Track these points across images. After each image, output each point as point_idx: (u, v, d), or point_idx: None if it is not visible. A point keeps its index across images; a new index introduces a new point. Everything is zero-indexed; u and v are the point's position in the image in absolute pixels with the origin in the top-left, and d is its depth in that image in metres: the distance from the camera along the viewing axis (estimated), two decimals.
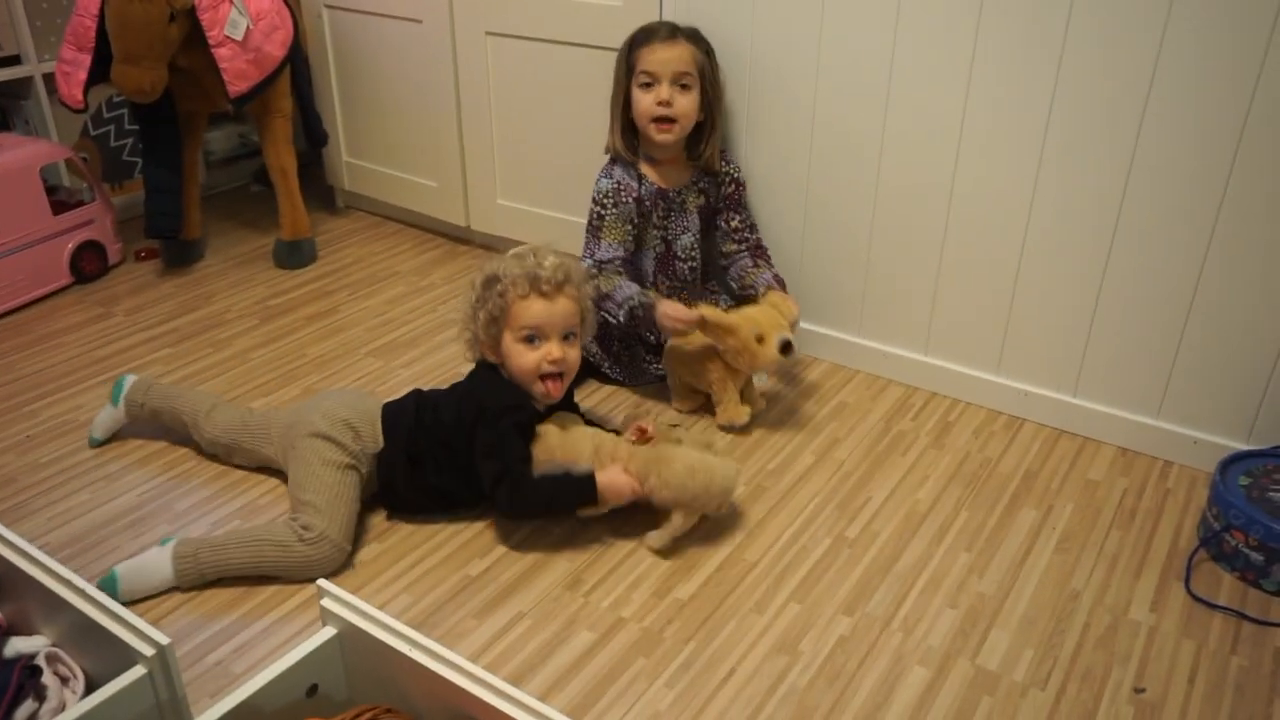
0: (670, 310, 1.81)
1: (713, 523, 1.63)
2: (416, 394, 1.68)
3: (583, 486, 1.54)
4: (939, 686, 1.33)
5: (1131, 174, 1.65)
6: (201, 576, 1.49)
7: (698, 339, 1.84)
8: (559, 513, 1.60)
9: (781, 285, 1.96)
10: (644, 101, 1.88)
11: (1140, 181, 1.65)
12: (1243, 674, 1.35)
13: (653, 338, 2.00)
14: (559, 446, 1.57)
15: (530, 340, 1.58)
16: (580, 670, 1.35)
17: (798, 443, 1.84)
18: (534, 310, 1.57)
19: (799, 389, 2.01)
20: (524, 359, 1.58)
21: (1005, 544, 1.59)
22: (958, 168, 1.81)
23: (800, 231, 2.04)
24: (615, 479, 1.54)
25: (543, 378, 1.59)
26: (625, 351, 2.03)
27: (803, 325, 2.11)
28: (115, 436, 1.83)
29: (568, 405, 1.72)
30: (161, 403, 1.77)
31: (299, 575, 1.50)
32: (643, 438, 1.61)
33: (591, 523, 1.62)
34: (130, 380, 1.80)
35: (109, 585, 1.45)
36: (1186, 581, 1.51)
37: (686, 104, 1.88)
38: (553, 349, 1.58)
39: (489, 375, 1.64)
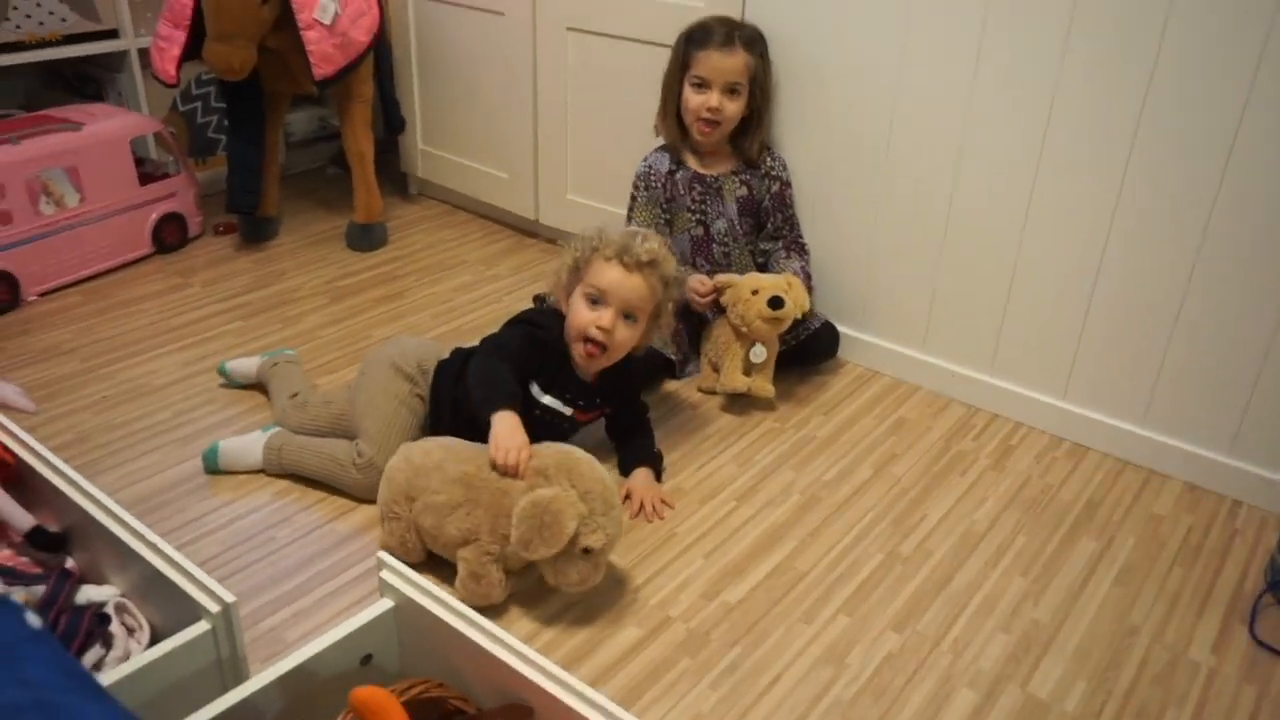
0: (693, 283, 1.94)
1: (765, 528, 1.63)
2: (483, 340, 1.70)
3: (503, 396, 1.48)
4: (987, 711, 1.31)
5: (1217, 202, 1.61)
6: (282, 468, 1.68)
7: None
8: (476, 394, 1.52)
9: (806, 279, 1.99)
10: (694, 101, 1.97)
11: (1225, 210, 1.61)
12: None
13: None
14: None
15: (594, 301, 1.59)
16: (625, 664, 1.36)
17: (855, 455, 1.83)
18: (608, 275, 1.58)
19: (859, 401, 2.00)
20: (579, 314, 1.59)
21: (1063, 572, 1.56)
22: (1035, 189, 1.78)
23: (868, 245, 2.03)
24: (513, 426, 1.45)
25: (586, 339, 1.59)
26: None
27: (867, 338, 2.10)
28: (196, 400, 1.90)
29: (629, 399, 1.74)
30: (268, 377, 1.87)
31: (351, 492, 1.64)
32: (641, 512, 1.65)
33: (641, 521, 1.63)
34: (286, 352, 1.94)
35: (211, 456, 1.69)
36: (1251, 625, 1.47)
37: (734, 109, 1.98)
38: (605, 316, 1.57)
39: (541, 308, 1.66)
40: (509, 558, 1.41)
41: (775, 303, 1.84)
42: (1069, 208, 1.76)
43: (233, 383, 1.94)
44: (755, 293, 1.86)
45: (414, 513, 1.46)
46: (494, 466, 1.42)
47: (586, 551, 1.37)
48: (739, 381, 1.90)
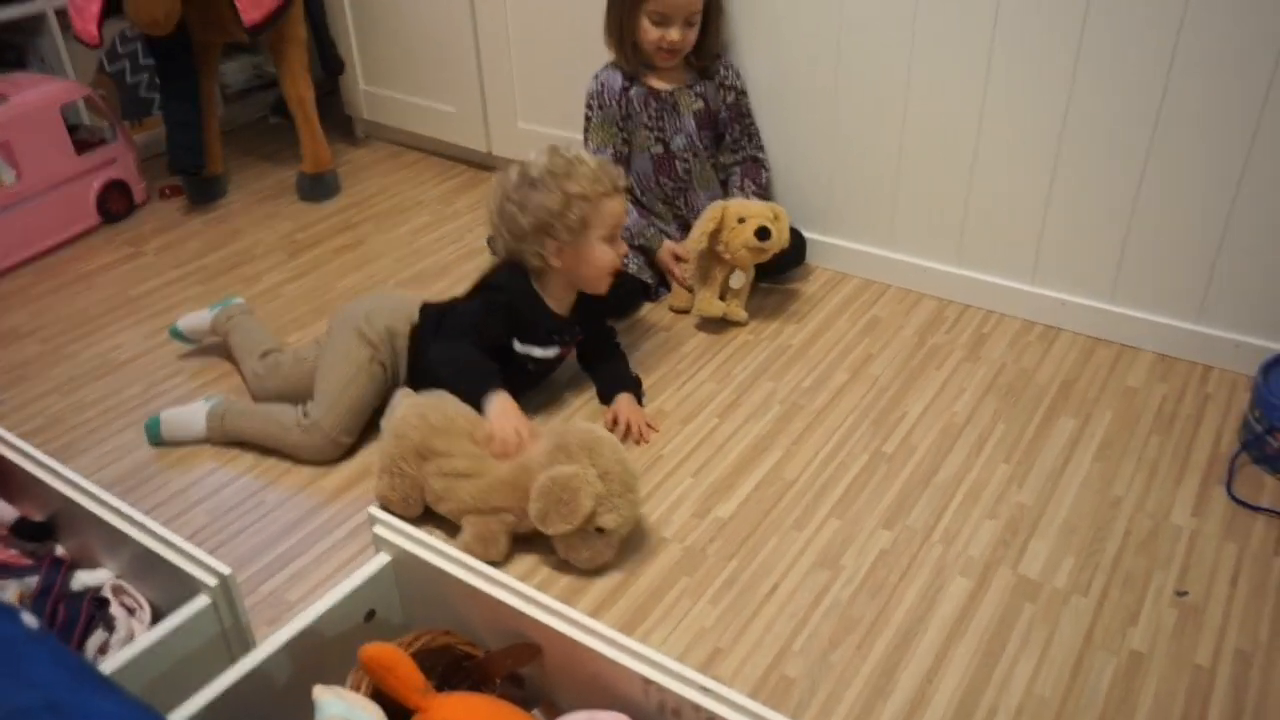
0: (665, 256, 1.98)
1: (749, 441, 1.64)
2: (452, 300, 1.70)
3: (485, 379, 1.51)
4: (981, 596, 1.35)
5: (1172, 69, 1.60)
6: (225, 435, 1.66)
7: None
8: (456, 384, 1.52)
9: (760, 198, 1.99)
10: (653, 34, 1.92)
11: (1179, 77, 1.60)
12: None
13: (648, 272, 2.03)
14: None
15: (610, 239, 1.61)
16: (625, 590, 1.38)
17: (831, 359, 1.84)
18: (616, 208, 1.60)
19: (831, 305, 2.00)
20: (603, 257, 1.61)
21: (1044, 454, 1.59)
22: (989, 75, 1.76)
23: (830, 145, 2.00)
24: (507, 408, 1.49)
25: (615, 272, 1.65)
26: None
27: (833, 241, 2.09)
28: (165, 371, 1.87)
29: (600, 328, 1.74)
30: (226, 334, 1.84)
31: (293, 456, 1.62)
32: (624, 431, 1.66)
33: (630, 447, 1.64)
34: (235, 302, 1.89)
35: (152, 427, 1.67)
36: (1228, 485, 1.51)
37: (693, 37, 1.93)
38: (622, 245, 1.64)
39: (512, 271, 1.63)
40: (520, 525, 1.42)
41: (763, 233, 1.81)
42: (1024, 91, 1.74)
43: (190, 342, 1.91)
44: (742, 220, 1.83)
45: (423, 472, 1.46)
46: (494, 454, 1.44)
47: (600, 530, 1.37)
48: (715, 307, 1.89)
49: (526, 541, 1.46)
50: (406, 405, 1.50)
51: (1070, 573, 1.38)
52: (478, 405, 1.49)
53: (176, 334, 1.90)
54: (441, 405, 1.48)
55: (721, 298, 1.91)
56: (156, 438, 1.67)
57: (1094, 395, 1.72)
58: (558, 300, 1.65)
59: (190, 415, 1.67)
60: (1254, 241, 1.65)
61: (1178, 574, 1.37)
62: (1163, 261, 1.75)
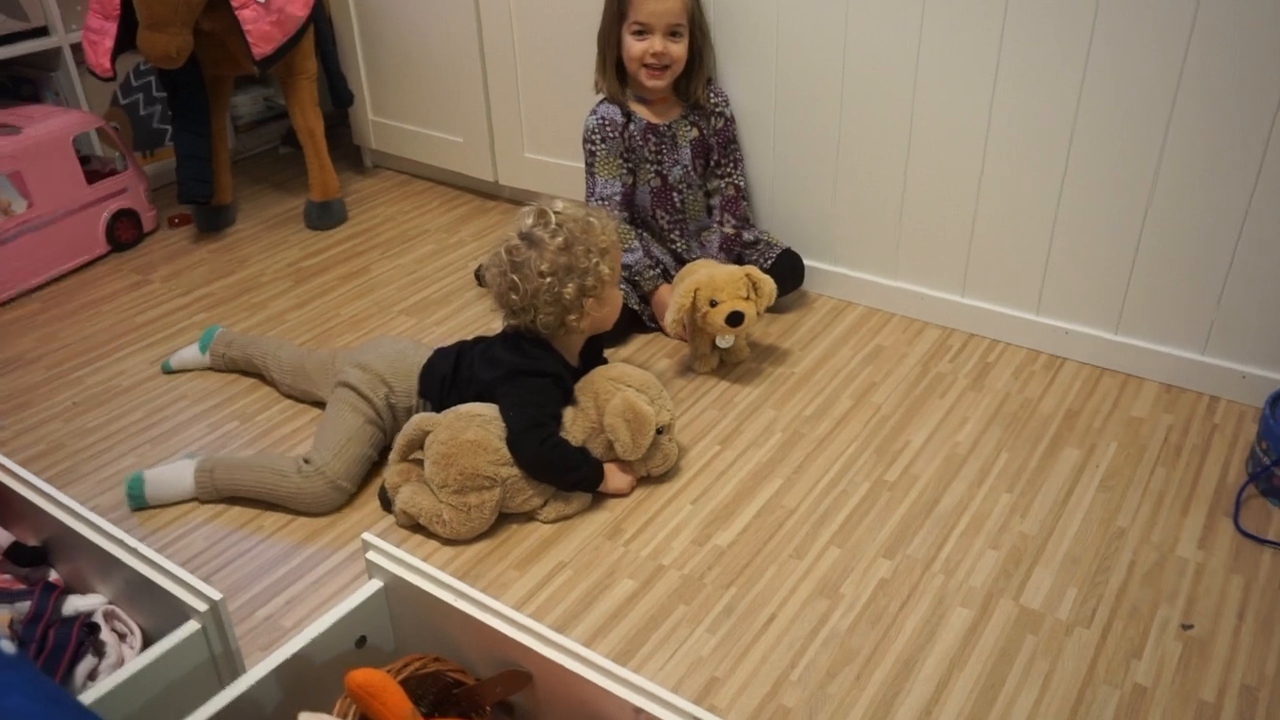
0: (656, 305, 1.98)
1: (750, 469, 1.63)
2: (460, 346, 1.69)
3: (593, 471, 1.56)
4: (982, 627, 1.33)
5: (1177, 101, 1.60)
6: (217, 492, 1.59)
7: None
8: (563, 481, 1.55)
9: (730, 244, 2.04)
10: (636, 48, 1.93)
11: (1186, 109, 1.60)
12: None
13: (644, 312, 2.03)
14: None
15: (618, 282, 1.66)
16: (622, 618, 1.37)
17: (834, 387, 1.83)
18: (620, 252, 1.66)
19: (834, 334, 1.99)
20: (620, 299, 1.67)
21: (1047, 484, 1.57)
22: (994, 104, 1.76)
23: (833, 175, 2.01)
24: (616, 476, 1.58)
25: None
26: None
27: (837, 270, 2.09)
28: (168, 398, 1.87)
29: (597, 359, 1.73)
30: (239, 352, 1.91)
31: (293, 505, 1.57)
32: None
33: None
34: (218, 331, 1.96)
35: (135, 486, 1.58)
36: (1235, 517, 1.49)
37: (678, 51, 1.94)
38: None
39: (533, 349, 1.60)
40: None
41: (733, 319, 1.76)
42: (1029, 121, 1.75)
43: (179, 371, 1.96)
44: (714, 304, 1.77)
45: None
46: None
47: (660, 432, 1.56)
48: (712, 363, 1.88)
49: (524, 565, 1.45)
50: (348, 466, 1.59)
51: (1073, 604, 1.36)
52: (594, 488, 1.58)
53: (168, 369, 1.95)
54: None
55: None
56: (140, 501, 1.58)
57: (1099, 425, 1.70)
58: (573, 354, 1.64)
59: (175, 472, 1.59)
60: (1260, 273, 1.64)
61: (1183, 607, 1.35)
62: (1168, 292, 1.74)
